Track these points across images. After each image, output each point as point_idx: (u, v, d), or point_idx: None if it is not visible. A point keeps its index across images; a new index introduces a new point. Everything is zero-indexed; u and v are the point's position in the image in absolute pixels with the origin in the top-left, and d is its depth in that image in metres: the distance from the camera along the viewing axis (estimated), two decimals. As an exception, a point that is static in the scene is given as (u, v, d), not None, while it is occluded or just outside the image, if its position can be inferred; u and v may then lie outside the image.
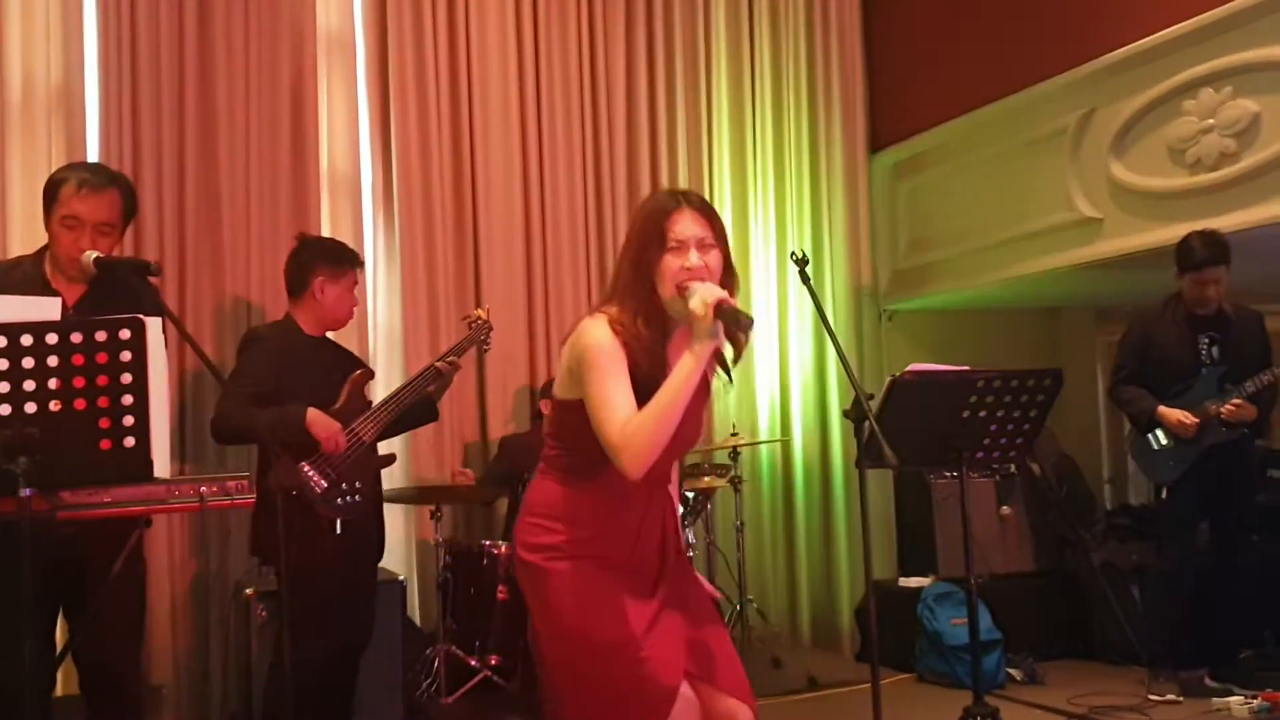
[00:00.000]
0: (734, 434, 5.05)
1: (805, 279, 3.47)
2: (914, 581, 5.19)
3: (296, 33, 5.11)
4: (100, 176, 3.11)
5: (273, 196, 4.96)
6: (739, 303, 2.35)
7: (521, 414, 5.46)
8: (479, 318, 4.40)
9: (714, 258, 2.37)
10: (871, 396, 3.25)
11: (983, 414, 3.47)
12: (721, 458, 5.21)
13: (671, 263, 2.35)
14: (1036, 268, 5.69)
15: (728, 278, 2.41)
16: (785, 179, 6.33)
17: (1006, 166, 5.92)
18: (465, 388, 5.40)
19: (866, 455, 3.24)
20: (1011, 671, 4.91)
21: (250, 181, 4.90)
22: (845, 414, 3.32)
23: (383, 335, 5.28)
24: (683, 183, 5.97)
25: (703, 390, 2.41)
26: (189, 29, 4.82)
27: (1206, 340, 4.57)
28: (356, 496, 3.66)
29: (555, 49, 5.77)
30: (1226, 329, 4.56)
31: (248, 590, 3.91)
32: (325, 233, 5.02)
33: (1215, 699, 4.33)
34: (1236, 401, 4.41)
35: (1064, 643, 5.25)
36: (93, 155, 4.53)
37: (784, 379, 6.12)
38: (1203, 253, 4.45)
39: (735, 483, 4.93)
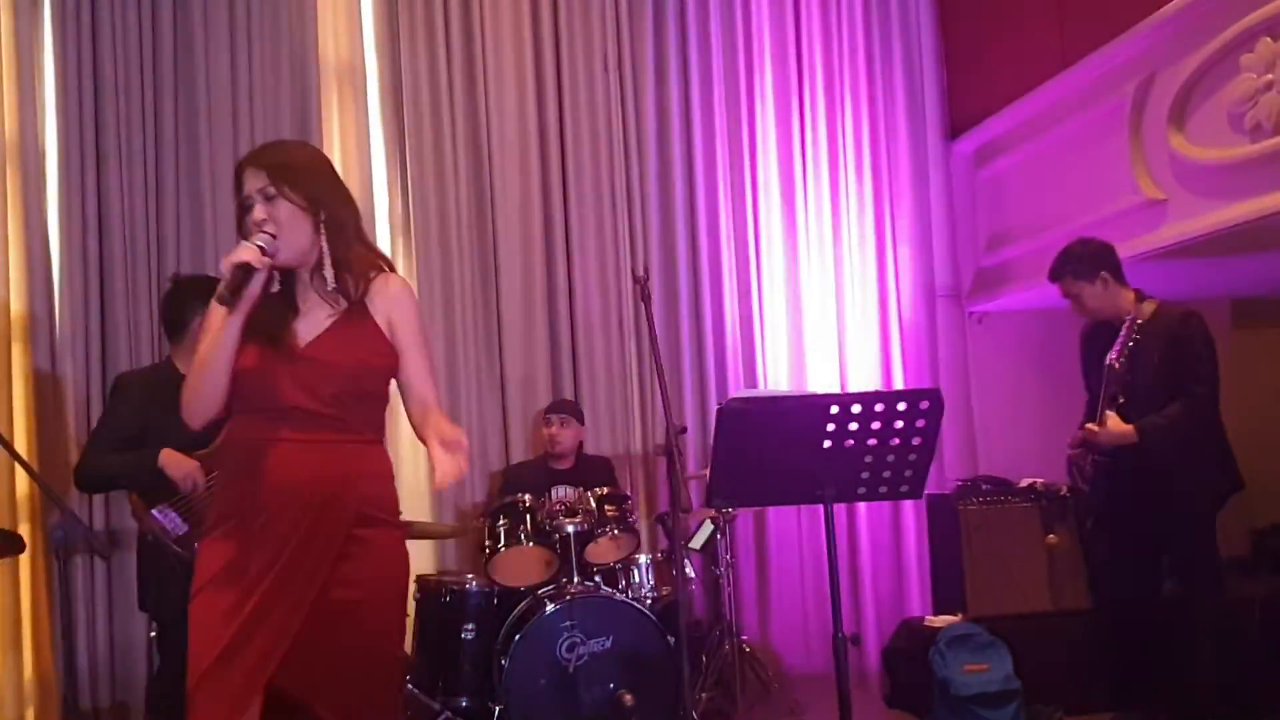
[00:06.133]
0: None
1: (645, 296, 3.18)
2: (941, 620, 4.60)
3: (299, 62, 5.14)
4: None
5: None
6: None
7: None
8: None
9: (281, 207, 2.34)
10: (684, 431, 2.89)
11: (849, 443, 2.97)
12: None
13: (248, 221, 2.38)
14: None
15: (311, 218, 2.37)
16: (843, 175, 5.81)
17: (1076, 145, 5.22)
18: (487, 415, 5.30)
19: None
20: (1034, 727, 4.27)
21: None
22: (656, 451, 2.98)
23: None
24: (722, 191, 5.63)
25: (347, 329, 2.39)
26: (164, 58, 4.84)
27: (1115, 352, 3.95)
28: (222, 539, 3.58)
29: (580, 64, 5.53)
30: (1129, 338, 3.94)
31: (152, 633, 3.94)
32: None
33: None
34: (1090, 426, 3.99)
35: (1122, 691, 4.47)
36: (52, 211, 4.67)
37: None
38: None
39: (724, 513, 4.48)
